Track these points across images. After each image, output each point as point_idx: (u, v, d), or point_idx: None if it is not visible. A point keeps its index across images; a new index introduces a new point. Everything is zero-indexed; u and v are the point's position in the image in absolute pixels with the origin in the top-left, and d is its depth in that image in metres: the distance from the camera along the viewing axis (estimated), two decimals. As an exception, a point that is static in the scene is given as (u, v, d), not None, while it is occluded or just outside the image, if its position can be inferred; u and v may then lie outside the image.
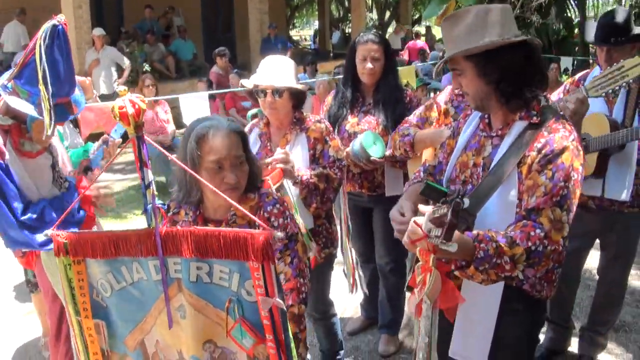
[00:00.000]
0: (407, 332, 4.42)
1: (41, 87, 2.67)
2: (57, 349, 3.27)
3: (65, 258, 2.01)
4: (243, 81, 3.39)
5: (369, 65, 3.77)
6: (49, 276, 3.15)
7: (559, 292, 2.62)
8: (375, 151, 3.60)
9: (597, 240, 3.80)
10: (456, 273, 2.11)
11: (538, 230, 2.07)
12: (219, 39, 17.49)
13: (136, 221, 6.94)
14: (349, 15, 26.13)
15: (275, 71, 3.22)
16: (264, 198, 2.49)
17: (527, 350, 2.51)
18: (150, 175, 1.88)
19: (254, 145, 3.36)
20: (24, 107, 2.78)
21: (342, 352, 3.92)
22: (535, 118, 2.25)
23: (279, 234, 1.84)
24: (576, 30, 16.16)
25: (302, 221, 3.05)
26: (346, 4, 28.88)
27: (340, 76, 4.69)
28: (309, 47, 27.50)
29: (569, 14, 17.10)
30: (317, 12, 28.53)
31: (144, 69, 13.15)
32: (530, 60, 2.24)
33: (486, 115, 2.41)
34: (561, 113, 2.33)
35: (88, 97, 5.90)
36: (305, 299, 2.48)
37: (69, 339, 2.22)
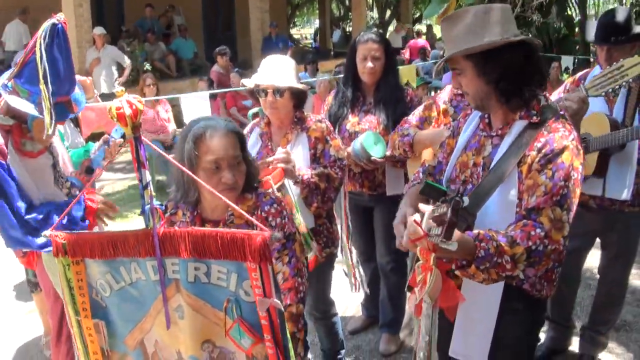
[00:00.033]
0: (408, 331, 4.42)
1: (42, 86, 2.67)
2: (58, 349, 3.27)
3: (64, 258, 2.02)
4: (244, 81, 3.40)
5: (370, 64, 3.78)
6: (50, 276, 3.15)
7: (559, 291, 2.63)
8: (376, 151, 3.60)
9: (598, 240, 3.79)
10: (457, 272, 2.12)
11: (538, 230, 2.07)
12: (220, 37, 17.49)
13: (137, 220, 6.95)
14: (350, 13, 26.10)
15: (276, 71, 3.22)
16: (261, 198, 2.50)
17: (527, 349, 2.52)
18: (147, 176, 1.88)
19: (255, 145, 3.37)
20: (25, 106, 2.78)
21: (343, 351, 3.92)
22: (535, 117, 2.25)
23: (277, 235, 1.84)
24: (577, 29, 16.13)
25: (303, 221, 3.06)
26: (347, 2, 28.85)
27: (341, 75, 4.69)
28: (310, 45, 27.48)
29: (569, 13, 17.07)
30: (317, 11, 28.49)
31: (145, 68, 13.16)
32: (529, 60, 2.24)
33: (486, 115, 2.41)
34: (561, 112, 2.33)
35: (89, 96, 5.89)
36: (304, 299, 2.48)
37: (71, 338, 2.22)
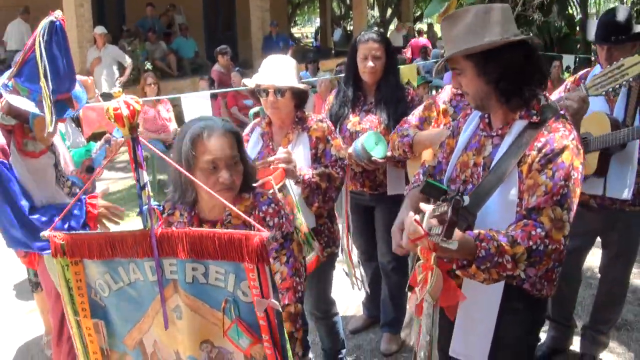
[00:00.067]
0: (409, 330, 4.42)
1: (42, 83, 2.67)
2: (59, 348, 3.28)
3: (63, 259, 2.03)
4: (245, 80, 3.40)
5: (370, 64, 3.78)
6: (51, 276, 3.13)
7: (560, 290, 2.63)
8: (377, 151, 3.60)
9: (599, 239, 3.80)
10: (458, 272, 2.12)
11: (539, 230, 2.07)
12: (221, 37, 17.51)
13: (137, 220, 6.95)
14: (351, 12, 26.10)
15: (277, 71, 3.22)
16: (258, 198, 2.50)
17: (527, 349, 2.52)
18: (145, 177, 1.89)
19: (256, 145, 3.37)
20: (25, 104, 2.78)
21: (344, 350, 3.92)
22: (535, 117, 2.25)
23: (274, 235, 1.85)
24: (578, 28, 16.12)
25: (304, 220, 3.06)
26: (348, 1, 28.83)
27: (342, 74, 4.69)
28: (311, 44, 27.48)
29: (570, 12, 17.06)
30: (318, 10, 28.49)
31: (146, 67, 13.18)
32: (529, 59, 2.24)
33: (486, 115, 2.41)
34: (561, 112, 2.33)
35: (90, 96, 5.90)
36: (302, 298, 2.48)
37: (72, 338, 2.23)
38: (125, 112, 1.76)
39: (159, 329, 2.10)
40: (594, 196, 3.46)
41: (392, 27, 25.23)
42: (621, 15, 3.40)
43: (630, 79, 2.98)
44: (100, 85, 10.63)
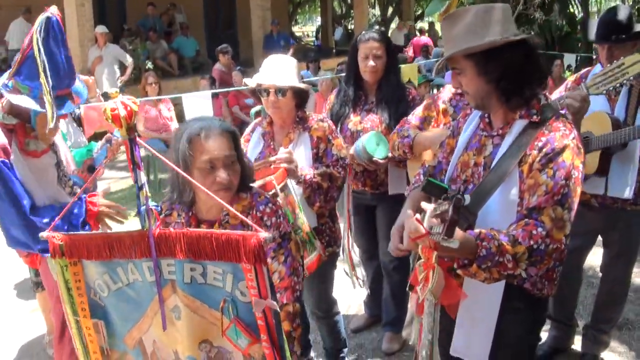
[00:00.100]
0: (410, 329, 4.41)
1: (42, 79, 2.68)
2: (61, 347, 3.28)
3: (62, 260, 2.03)
4: (246, 80, 3.41)
5: (371, 63, 3.78)
6: (54, 276, 3.16)
7: (561, 290, 2.63)
8: (379, 152, 3.60)
9: (600, 238, 3.80)
10: (459, 272, 2.12)
11: (540, 229, 2.08)
12: (221, 35, 17.52)
13: (137, 220, 6.95)
14: (352, 11, 26.09)
15: (278, 70, 3.23)
16: (256, 197, 2.50)
17: (528, 348, 2.52)
18: (143, 177, 1.89)
19: (258, 145, 3.38)
20: (26, 102, 2.78)
21: (345, 349, 3.93)
22: (535, 117, 2.25)
23: (271, 236, 1.85)
24: (579, 27, 16.11)
25: (305, 220, 3.06)
26: (348, 0, 28.83)
27: (343, 74, 4.69)
28: (312, 43, 27.46)
29: (571, 11, 17.05)
30: (319, 9, 28.49)
31: (147, 67, 13.18)
32: (529, 59, 2.24)
33: (486, 115, 2.41)
34: (562, 111, 2.34)
35: (91, 96, 5.92)
36: (300, 297, 2.49)
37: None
38: (122, 112, 1.76)
39: (158, 329, 2.10)
40: (595, 195, 3.46)
41: (393, 25, 25.22)
42: (622, 14, 3.40)
43: (631, 78, 2.98)
44: (101, 85, 10.63)
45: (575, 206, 2.16)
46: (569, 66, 11.80)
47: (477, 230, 2.07)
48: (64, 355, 3.26)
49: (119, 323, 2.16)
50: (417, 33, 20.50)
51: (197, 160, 2.31)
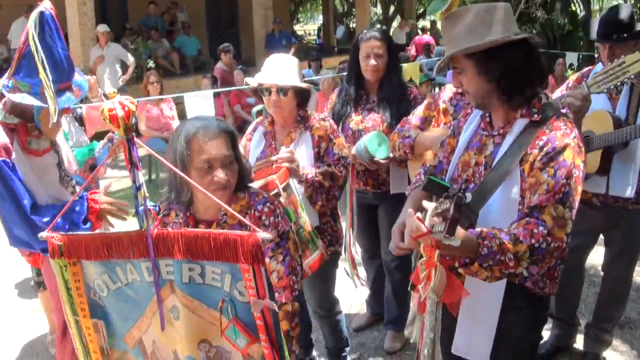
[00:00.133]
0: (412, 328, 4.42)
1: (41, 75, 2.68)
2: (63, 346, 3.29)
3: (61, 260, 2.03)
4: (248, 79, 3.41)
5: (372, 62, 3.78)
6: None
7: (563, 289, 2.62)
8: (380, 152, 3.61)
9: (602, 237, 3.80)
10: (460, 270, 2.12)
11: (541, 228, 2.08)
12: (223, 34, 17.53)
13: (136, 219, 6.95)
14: (354, 10, 26.07)
15: (280, 70, 3.23)
16: (254, 197, 2.50)
17: (529, 347, 2.52)
18: (141, 178, 1.89)
19: (259, 144, 3.38)
20: (28, 99, 2.78)
21: (347, 348, 3.93)
22: (536, 116, 2.26)
23: (268, 236, 1.85)
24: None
25: (307, 219, 3.07)
26: (350, -2, 28.85)
27: (345, 72, 4.70)
28: (314, 42, 27.46)
29: (573, 9, 17.03)
30: (321, 7, 28.48)
31: (149, 66, 13.17)
32: (530, 58, 2.24)
33: (487, 114, 2.41)
34: (563, 110, 2.33)
35: (93, 95, 5.93)
36: (299, 296, 2.48)
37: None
38: (120, 112, 1.76)
39: (157, 329, 2.11)
40: (597, 194, 3.46)
41: (395, 24, 25.21)
42: (623, 13, 3.40)
43: (632, 76, 2.98)
44: (103, 84, 10.62)
45: (576, 205, 2.16)
46: (571, 65, 11.79)
47: (478, 229, 2.07)
48: (66, 354, 3.26)
49: (118, 323, 2.16)
50: (419, 31, 20.48)
51: (195, 160, 2.31)
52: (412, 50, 17.48)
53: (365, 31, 3.92)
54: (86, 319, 2.12)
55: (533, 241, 2.05)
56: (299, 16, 35.23)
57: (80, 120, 5.29)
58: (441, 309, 2.11)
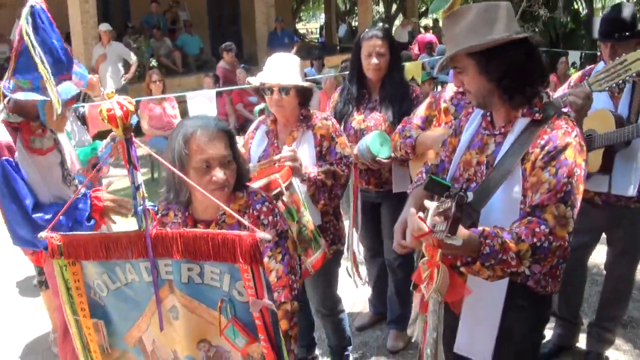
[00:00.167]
0: (415, 327, 4.41)
1: (40, 69, 2.68)
2: (66, 346, 3.29)
3: (61, 260, 2.03)
4: (250, 79, 3.41)
5: (374, 60, 3.78)
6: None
7: (566, 288, 2.63)
8: (382, 152, 3.61)
9: (604, 236, 3.80)
10: (462, 269, 2.12)
11: (543, 227, 2.08)
12: (225, 33, 17.52)
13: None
14: (356, 8, 26.06)
15: (282, 69, 3.23)
16: (252, 196, 2.50)
17: (531, 346, 2.52)
18: (139, 178, 1.89)
19: (261, 143, 3.38)
20: (31, 96, 2.79)
21: (350, 347, 3.93)
22: (537, 115, 2.25)
23: (267, 236, 1.85)
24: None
25: (310, 218, 3.07)
26: (352, -3, 28.83)
27: (347, 71, 4.70)
28: (316, 40, 27.43)
29: (576, 7, 17.01)
30: (323, 6, 28.43)
31: (151, 64, 13.17)
32: (531, 57, 2.24)
33: (488, 113, 2.41)
34: (565, 109, 2.33)
35: (96, 94, 5.93)
36: (298, 296, 2.48)
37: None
38: (118, 112, 1.76)
39: (156, 329, 2.11)
40: (599, 193, 3.46)
41: (397, 22, 25.18)
42: (626, 12, 3.39)
43: (634, 74, 2.97)
44: (105, 83, 10.62)
45: (578, 204, 2.16)
46: (573, 63, 11.78)
47: (480, 228, 2.08)
48: (69, 353, 3.27)
49: (118, 322, 2.16)
50: (422, 30, 20.46)
51: (193, 160, 2.31)
52: (414, 49, 17.46)
53: (367, 30, 3.92)
54: (86, 318, 2.12)
55: (535, 240, 2.05)
56: (301, 14, 35.19)
57: (82, 119, 5.29)
58: (443, 307, 2.11)
